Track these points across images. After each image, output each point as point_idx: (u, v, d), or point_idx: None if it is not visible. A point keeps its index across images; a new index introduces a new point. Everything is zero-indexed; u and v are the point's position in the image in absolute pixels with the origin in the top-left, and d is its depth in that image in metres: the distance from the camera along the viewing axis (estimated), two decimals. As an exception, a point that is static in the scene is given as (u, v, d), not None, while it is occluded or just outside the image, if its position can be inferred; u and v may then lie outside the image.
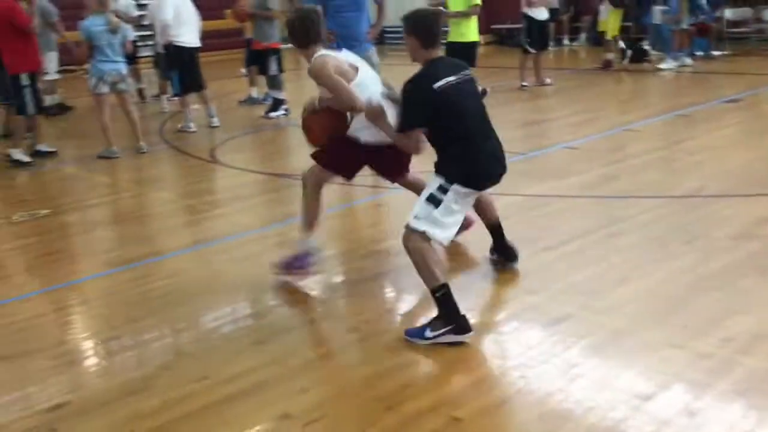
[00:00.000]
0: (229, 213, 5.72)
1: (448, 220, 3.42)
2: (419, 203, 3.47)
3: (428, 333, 3.34)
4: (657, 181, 5.73)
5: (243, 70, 12.26)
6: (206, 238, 5.11)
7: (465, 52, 8.11)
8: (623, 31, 15.36)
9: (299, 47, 4.02)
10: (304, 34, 3.97)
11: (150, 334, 3.66)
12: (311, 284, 4.19)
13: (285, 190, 6.27)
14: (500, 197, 4.91)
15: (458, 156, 3.45)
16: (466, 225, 4.22)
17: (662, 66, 11.94)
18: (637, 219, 4.82)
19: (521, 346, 3.31)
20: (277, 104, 9.74)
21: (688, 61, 12.06)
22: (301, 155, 7.74)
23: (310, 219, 4.17)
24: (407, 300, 3.98)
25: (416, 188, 4.28)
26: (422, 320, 3.45)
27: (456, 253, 4.38)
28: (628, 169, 6.11)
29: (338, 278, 4.31)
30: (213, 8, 14.60)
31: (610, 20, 12.46)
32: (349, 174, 4.23)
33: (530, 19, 10.86)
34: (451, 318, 3.34)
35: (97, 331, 3.79)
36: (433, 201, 3.41)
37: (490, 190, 3.83)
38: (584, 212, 4.98)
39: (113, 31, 7.47)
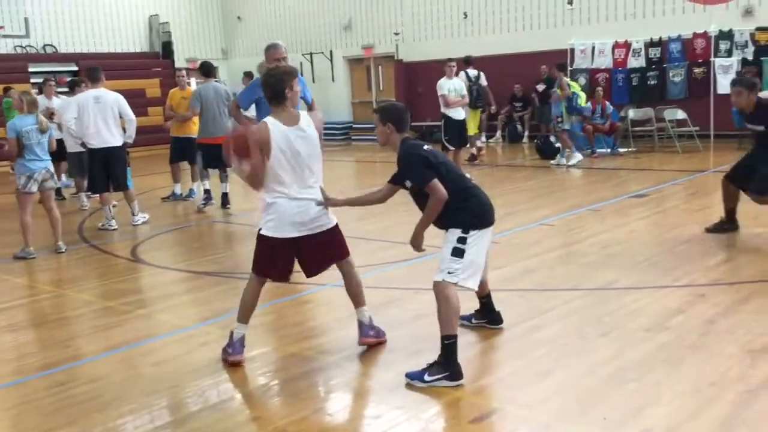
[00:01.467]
0: (152, 313, 5.61)
1: (472, 269, 3.99)
2: (446, 260, 3.98)
3: (426, 377, 3.84)
4: (572, 274, 5.98)
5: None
6: (127, 340, 4.97)
7: None
8: (536, 129, 16.35)
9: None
10: (269, 92, 4.19)
11: (67, 446, 3.51)
12: (236, 385, 4.13)
13: (209, 288, 6.20)
14: (421, 293, 5.02)
15: (465, 202, 4.04)
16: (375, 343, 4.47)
17: (571, 162, 12.61)
18: (555, 312, 5.00)
19: (449, 444, 3.33)
20: (207, 194, 10.01)
21: (565, 160, 12.80)
22: (224, 253, 7.74)
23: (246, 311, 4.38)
24: (336, 399, 3.96)
25: (350, 279, 4.40)
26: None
27: (382, 350, 4.42)
28: (545, 262, 6.36)
29: (265, 378, 4.26)
30: (136, 106, 14.66)
31: (469, 120, 13.28)
32: (282, 277, 4.40)
33: (448, 119, 11.37)
34: (449, 366, 3.85)
35: (10, 444, 3.61)
36: (458, 254, 3.98)
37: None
38: (506, 306, 5.11)
39: (43, 130, 7.45)
